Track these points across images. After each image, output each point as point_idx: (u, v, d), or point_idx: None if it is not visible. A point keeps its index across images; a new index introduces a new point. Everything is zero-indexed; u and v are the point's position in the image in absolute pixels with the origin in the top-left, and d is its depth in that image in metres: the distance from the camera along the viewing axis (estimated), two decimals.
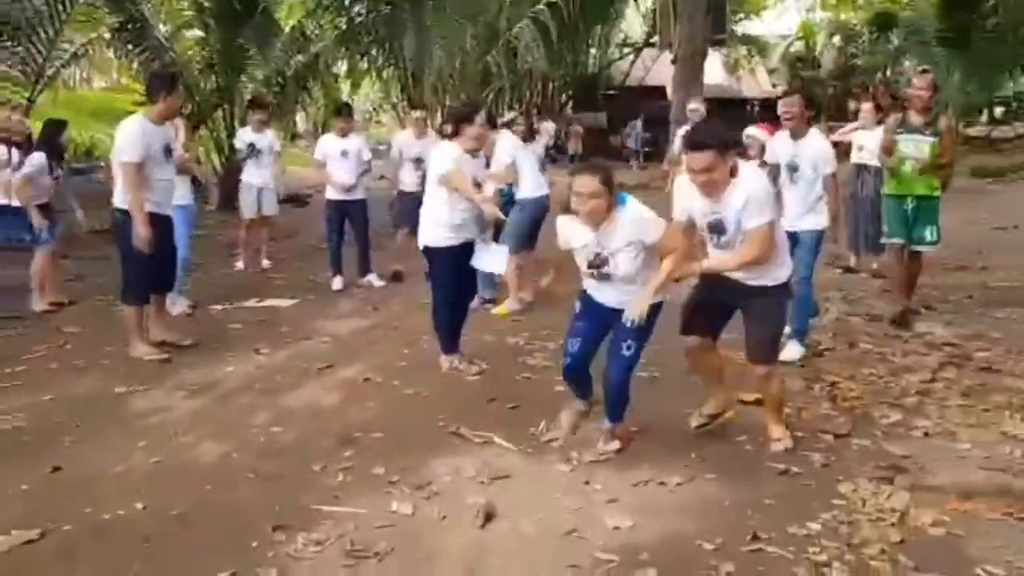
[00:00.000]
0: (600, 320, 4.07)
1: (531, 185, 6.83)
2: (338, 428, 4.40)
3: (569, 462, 3.93)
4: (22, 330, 6.43)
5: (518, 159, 6.69)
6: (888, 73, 29.27)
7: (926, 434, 4.18)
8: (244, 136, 8.74)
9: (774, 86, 29.42)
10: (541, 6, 11.22)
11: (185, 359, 5.63)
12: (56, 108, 16.53)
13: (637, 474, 3.77)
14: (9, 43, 10.59)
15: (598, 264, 3.93)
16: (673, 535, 3.23)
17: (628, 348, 3.96)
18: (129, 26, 12.97)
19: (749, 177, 3.81)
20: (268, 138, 8.77)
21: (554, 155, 24.18)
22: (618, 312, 3.92)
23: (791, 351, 5.35)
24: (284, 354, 5.82)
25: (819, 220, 5.50)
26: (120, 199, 5.52)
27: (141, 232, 5.40)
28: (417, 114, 8.33)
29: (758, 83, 29.66)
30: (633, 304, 3.83)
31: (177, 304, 6.75)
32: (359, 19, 12.34)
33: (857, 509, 3.38)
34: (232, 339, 6.15)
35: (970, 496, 3.46)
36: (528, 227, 6.87)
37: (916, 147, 6.13)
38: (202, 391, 5.00)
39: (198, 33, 14.92)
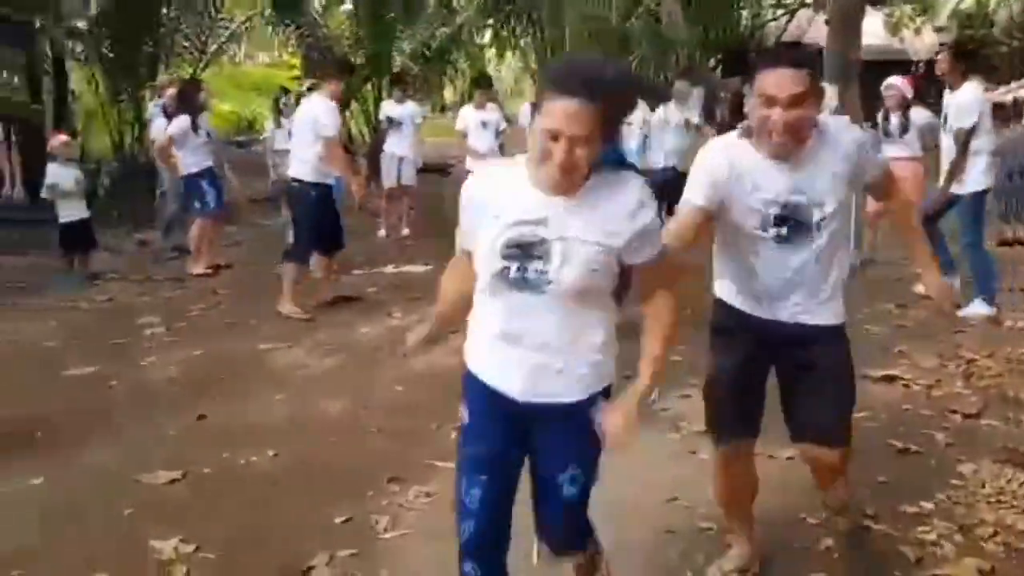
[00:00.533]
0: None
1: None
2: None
3: (679, 430, 3.95)
4: (182, 291, 6.99)
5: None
6: None
7: None
8: (386, 108, 9.13)
9: (942, 46, 27.46)
10: None
11: (324, 319, 5.98)
12: (219, 83, 17.66)
13: None
14: (175, 20, 11.34)
15: (789, 228, 2.32)
16: (778, 508, 3.21)
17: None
18: (285, 3, 13.60)
19: (843, 127, 2.38)
20: (408, 110, 9.09)
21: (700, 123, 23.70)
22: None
23: (977, 308, 5.41)
24: (414, 318, 6.07)
25: (978, 179, 5.25)
26: (298, 170, 6.01)
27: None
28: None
29: (924, 43, 27.74)
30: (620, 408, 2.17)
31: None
32: None
33: (976, 491, 3.24)
34: (368, 303, 6.46)
35: None
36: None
37: None
38: (337, 350, 5.32)
39: (348, 7, 15.47)
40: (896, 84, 6.76)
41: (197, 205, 7.52)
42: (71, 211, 7.20)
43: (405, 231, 9.37)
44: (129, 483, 3.50)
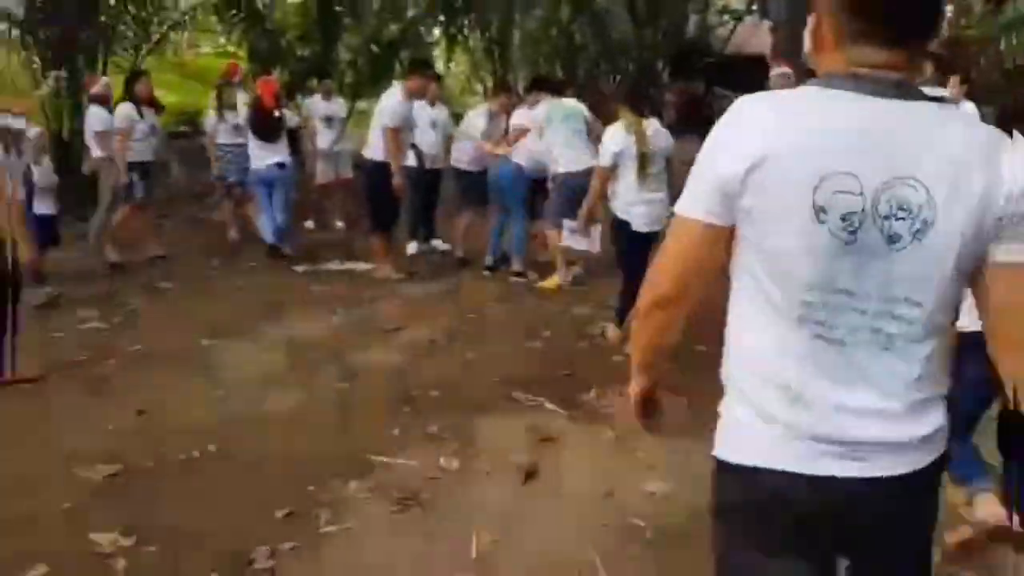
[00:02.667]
0: None
1: (571, 157, 6.59)
2: (400, 387, 4.64)
3: (615, 429, 4.06)
4: (121, 284, 6.88)
5: (551, 128, 6.69)
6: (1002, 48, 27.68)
7: None
8: (317, 105, 9.42)
9: None
10: None
11: (263, 316, 5.96)
12: (162, 71, 17.33)
13: (679, 443, 3.87)
14: (117, 7, 11.13)
15: None
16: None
17: None
18: None
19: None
20: (339, 105, 9.75)
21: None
22: None
23: None
24: (358, 313, 6.12)
25: None
26: (372, 152, 6.95)
27: (397, 181, 6.84)
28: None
29: None
30: None
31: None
32: None
33: None
34: (312, 300, 6.46)
35: None
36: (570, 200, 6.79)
37: None
38: (279, 346, 5.33)
39: (296, 0, 15.34)
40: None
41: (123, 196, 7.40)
42: (44, 206, 6.97)
43: (339, 224, 9.44)
44: (67, 476, 3.49)
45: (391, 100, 6.93)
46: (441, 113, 8.13)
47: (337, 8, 14.17)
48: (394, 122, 6.80)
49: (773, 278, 1.37)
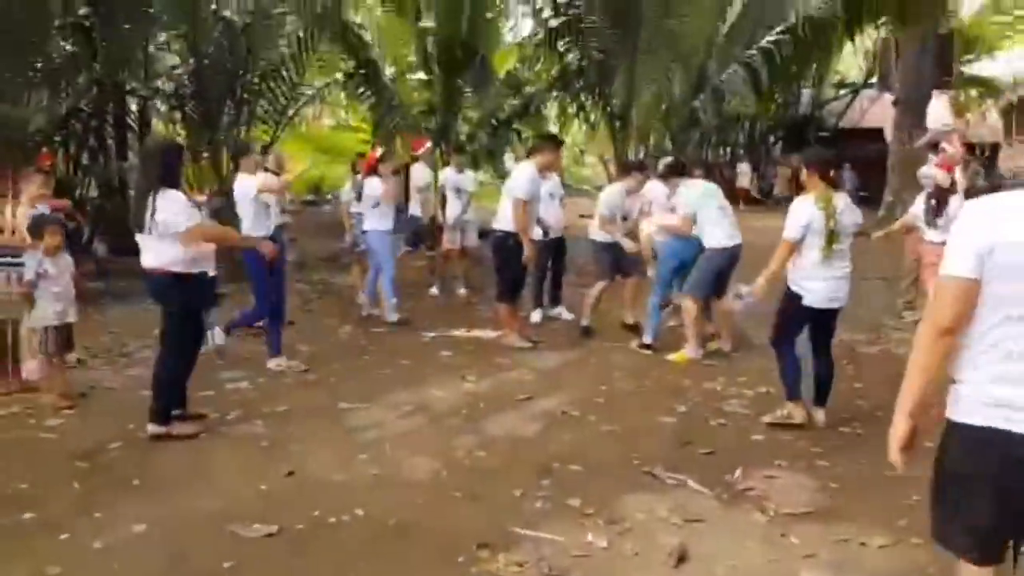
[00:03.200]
0: None
1: (719, 234, 6.67)
2: (537, 457, 4.61)
3: (765, 512, 3.92)
4: (263, 346, 7.14)
5: (701, 209, 6.69)
6: None
7: None
8: (447, 176, 9.71)
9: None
10: (753, 51, 11.14)
11: (398, 380, 6.08)
12: (294, 144, 18.22)
13: (838, 530, 3.71)
14: (258, 85, 11.80)
15: None
16: None
17: None
18: (361, 70, 14.09)
19: None
20: (468, 176, 9.97)
21: (758, 197, 23.76)
22: None
23: None
24: (488, 382, 6.15)
25: None
26: (501, 223, 7.07)
27: (528, 252, 6.98)
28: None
29: (988, 127, 27.59)
30: None
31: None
32: (571, 66, 12.81)
33: None
34: (440, 365, 6.55)
35: None
36: (713, 275, 6.72)
37: None
38: (414, 412, 5.40)
39: (421, 76, 15.96)
40: (928, 173, 6.81)
41: None
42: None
43: (462, 291, 9.70)
44: (226, 534, 3.58)
45: (524, 173, 7.05)
46: (557, 184, 8.27)
47: (460, 82, 14.68)
48: (527, 195, 6.93)
49: None
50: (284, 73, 12.16)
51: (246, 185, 6.54)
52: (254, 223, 6.45)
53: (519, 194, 6.92)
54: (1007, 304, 2.10)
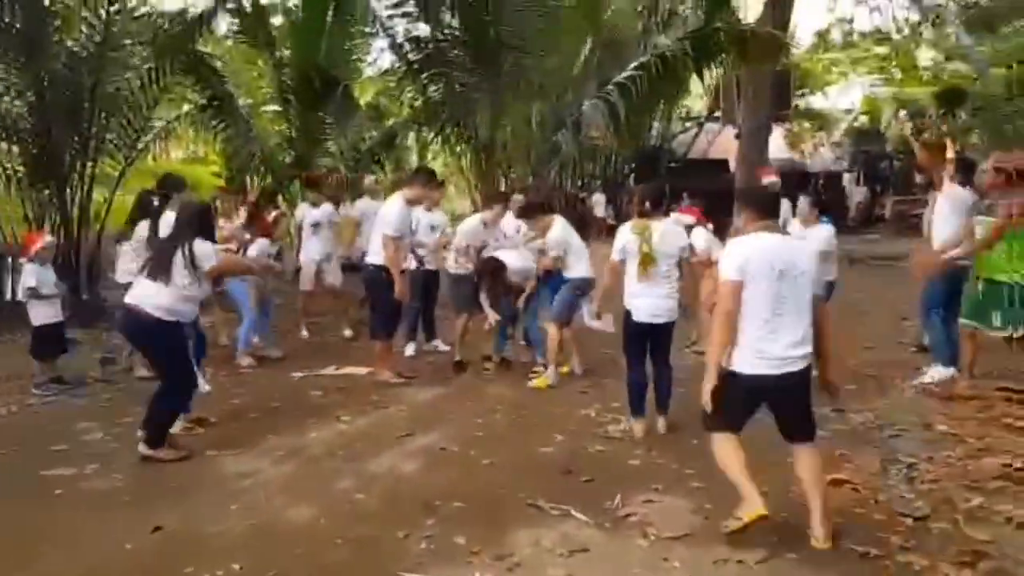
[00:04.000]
0: None
1: (583, 266, 7.03)
2: (419, 496, 4.53)
3: (646, 537, 3.99)
4: (121, 393, 6.74)
5: (571, 242, 7.04)
6: (957, 147, 28.98)
7: (1008, 519, 4.13)
8: (303, 211, 9.43)
9: (838, 159, 29.41)
10: (611, 86, 11.55)
11: (269, 424, 5.86)
12: (141, 179, 17.39)
13: (716, 551, 3.82)
14: (103, 119, 11.24)
15: None
16: None
17: None
18: (214, 103, 13.67)
19: None
20: (326, 211, 9.49)
21: (615, 224, 24.48)
22: None
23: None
24: (364, 421, 6.02)
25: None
26: (373, 258, 6.98)
27: (399, 288, 6.90)
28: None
29: (821, 157, 29.66)
30: None
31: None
32: (434, 98, 12.87)
33: None
34: (313, 406, 6.35)
35: None
36: (575, 302, 7.02)
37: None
38: (289, 456, 5.21)
39: (278, 108, 15.64)
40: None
41: None
42: (48, 314, 6.94)
43: (347, 332, 9.29)
44: None
45: (393, 208, 6.99)
46: (440, 217, 8.27)
47: (319, 114, 14.46)
48: (396, 230, 6.88)
49: None
50: (132, 105, 11.64)
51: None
52: None
53: (388, 230, 6.87)
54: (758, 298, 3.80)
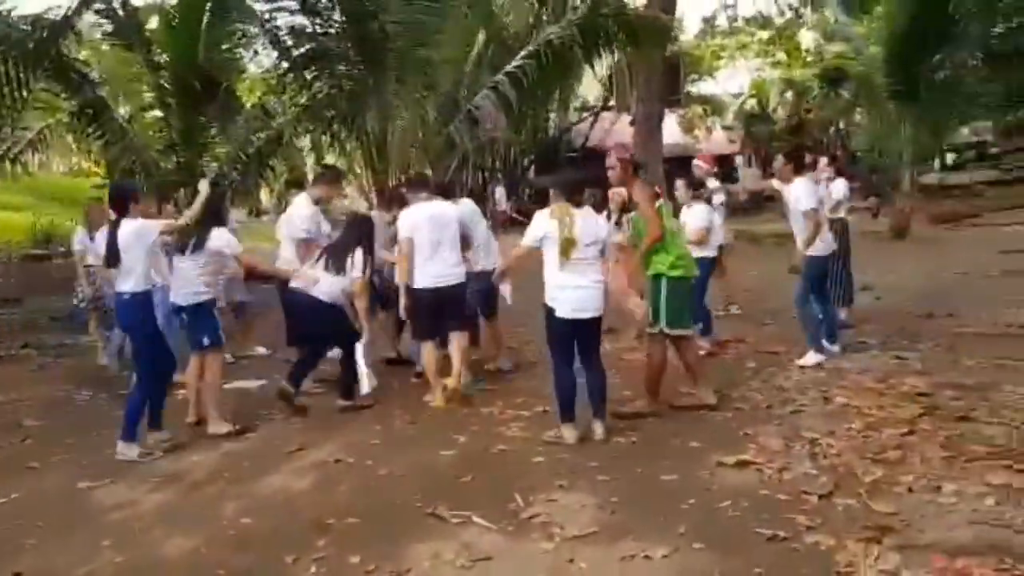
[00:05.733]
0: None
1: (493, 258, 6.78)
2: (311, 515, 4.25)
3: (551, 539, 3.82)
4: None
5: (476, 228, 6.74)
6: (841, 126, 30.09)
7: (910, 489, 4.12)
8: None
9: (731, 142, 30.09)
10: (501, 76, 11.36)
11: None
12: (15, 193, 16.41)
13: (622, 547, 3.67)
14: None
15: None
16: None
17: None
18: (87, 110, 12.89)
19: None
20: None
21: (519, 217, 24.46)
22: None
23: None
24: (253, 437, 5.67)
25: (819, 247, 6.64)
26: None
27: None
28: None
29: (714, 140, 30.28)
30: None
31: None
32: (320, 95, 12.43)
33: (847, 573, 3.31)
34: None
35: (960, 553, 3.40)
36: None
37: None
38: (168, 482, 4.83)
39: (158, 114, 14.89)
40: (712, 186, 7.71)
41: None
42: None
43: (260, 350, 8.51)
44: None
45: (302, 210, 6.59)
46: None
47: (201, 118, 13.81)
48: (309, 233, 6.52)
49: None
50: None
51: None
52: None
53: (302, 234, 6.50)
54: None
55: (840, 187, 8.18)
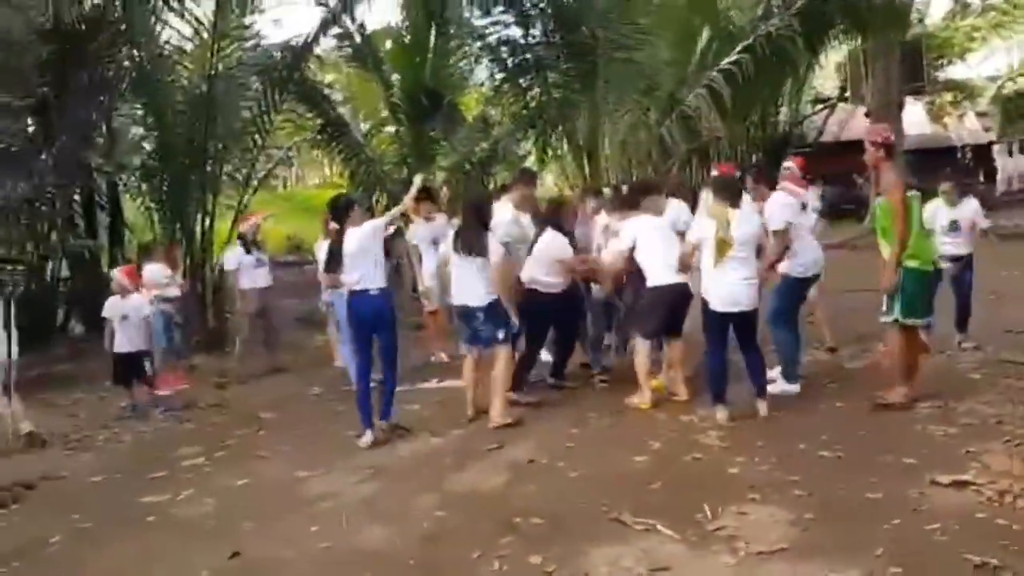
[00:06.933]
0: None
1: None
2: (499, 513, 4.36)
3: (735, 553, 3.67)
4: (224, 417, 6.93)
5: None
6: None
7: None
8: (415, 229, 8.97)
9: (987, 130, 27.28)
10: (714, 73, 11.06)
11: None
12: (270, 206, 18.13)
13: (809, 568, 3.46)
14: (221, 152, 11.71)
15: None
16: None
17: None
18: (329, 128, 14.04)
19: None
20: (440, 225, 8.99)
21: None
22: None
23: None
24: (457, 434, 5.90)
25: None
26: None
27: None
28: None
29: (968, 128, 27.60)
30: None
31: None
32: (533, 103, 12.74)
33: None
34: (407, 421, 6.27)
35: None
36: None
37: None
38: (375, 475, 5.15)
39: (391, 129, 15.92)
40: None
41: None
42: (121, 342, 7.30)
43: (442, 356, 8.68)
44: None
45: (501, 216, 6.47)
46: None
47: (430, 133, 14.61)
48: (510, 236, 6.48)
49: None
50: (249, 135, 12.09)
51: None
52: None
53: (504, 239, 6.33)
54: None
55: None
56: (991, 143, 25.81)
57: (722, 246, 5.38)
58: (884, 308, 5.51)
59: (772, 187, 6.30)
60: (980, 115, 28.13)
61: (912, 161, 16.54)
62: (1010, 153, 24.46)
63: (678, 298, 6.03)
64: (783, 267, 6.07)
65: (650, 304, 6.10)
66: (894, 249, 5.33)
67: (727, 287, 5.44)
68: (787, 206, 6.08)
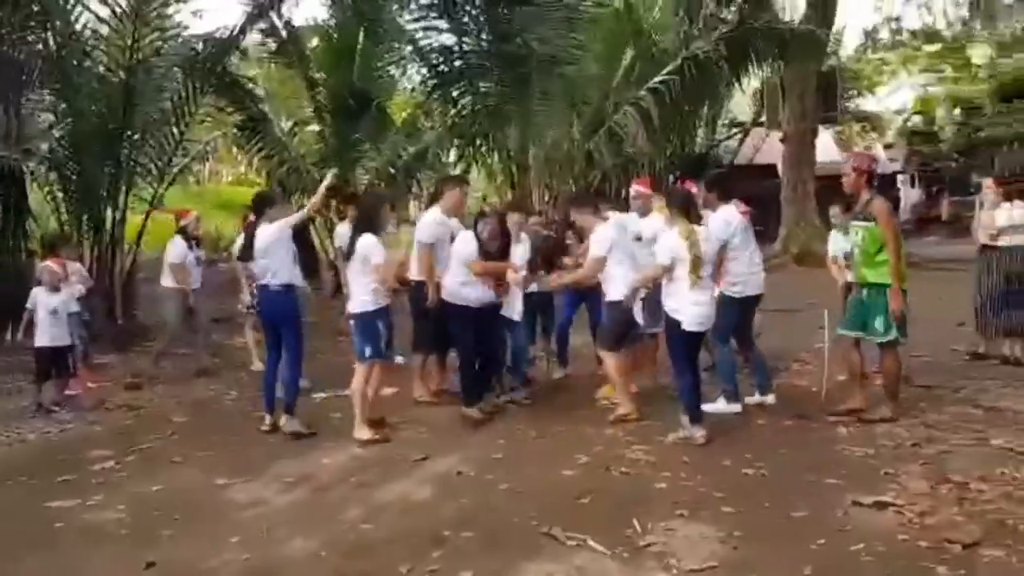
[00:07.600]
0: None
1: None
2: (428, 525, 4.29)
3: (668, 570, 3.68)
4: (135, 420, 6.64)
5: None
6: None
7: None
8: (340, 233, 8.91)
9: (891, 160, 28.55)
10: (643, 92, 11.25)
11: (283, 448, 5.69)
12: (184, 201, 17.55)
13: None
14: (137, 142, 11.28)
15: None
16: None
17: None
18: (251, 124, 13.71)
19: None
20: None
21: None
22: None
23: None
24: (381, 444, 5.79)
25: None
26: (414, 272, 6.62)
27: (433, 299, 6.34)
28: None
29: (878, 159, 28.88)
30: None
31: None
32: (464, 111, 12.72)
33: None
34: (331, 429, 6.14)
35: None
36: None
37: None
38: (298, 483, 5.01)
39: (315, 128, 15.65)
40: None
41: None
42: (44, 337, 6.93)
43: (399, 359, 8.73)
44: None
45: (429, 217, 6.62)
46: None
47: (356, 135, 14.42)
48: (429, 239, 6.49)
49: None
50: (167, 128, 11.69)
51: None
52: None
53: (422, 237, 6.50)
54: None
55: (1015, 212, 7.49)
56: (895, 173, 27.01)
57: (697, 264, 5.35)
58: (881, 330, 5.68)
59: (725, 199, 6.39)
60: (887, 147, 29.47)
61: (820, 188, 17.12)
62: (912, 184, 25.66)
63: (631, 316, 6.12)
64: (720, 286, 6.10)
65: (612, 320, 6.18)
66: (893, 274, 5.60)
67: (704, 307, 5.46)
68: (729, 223, 6.19)
